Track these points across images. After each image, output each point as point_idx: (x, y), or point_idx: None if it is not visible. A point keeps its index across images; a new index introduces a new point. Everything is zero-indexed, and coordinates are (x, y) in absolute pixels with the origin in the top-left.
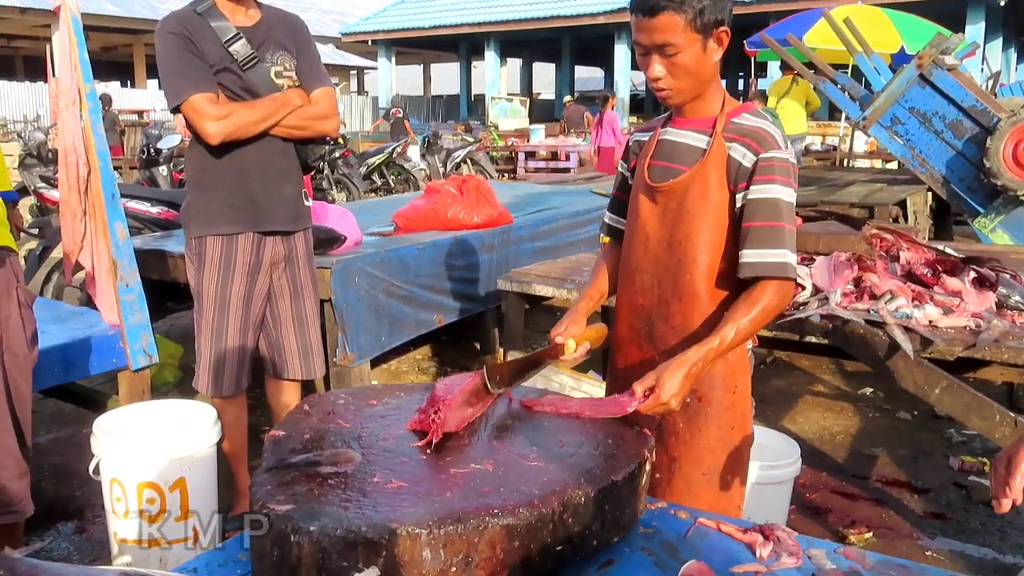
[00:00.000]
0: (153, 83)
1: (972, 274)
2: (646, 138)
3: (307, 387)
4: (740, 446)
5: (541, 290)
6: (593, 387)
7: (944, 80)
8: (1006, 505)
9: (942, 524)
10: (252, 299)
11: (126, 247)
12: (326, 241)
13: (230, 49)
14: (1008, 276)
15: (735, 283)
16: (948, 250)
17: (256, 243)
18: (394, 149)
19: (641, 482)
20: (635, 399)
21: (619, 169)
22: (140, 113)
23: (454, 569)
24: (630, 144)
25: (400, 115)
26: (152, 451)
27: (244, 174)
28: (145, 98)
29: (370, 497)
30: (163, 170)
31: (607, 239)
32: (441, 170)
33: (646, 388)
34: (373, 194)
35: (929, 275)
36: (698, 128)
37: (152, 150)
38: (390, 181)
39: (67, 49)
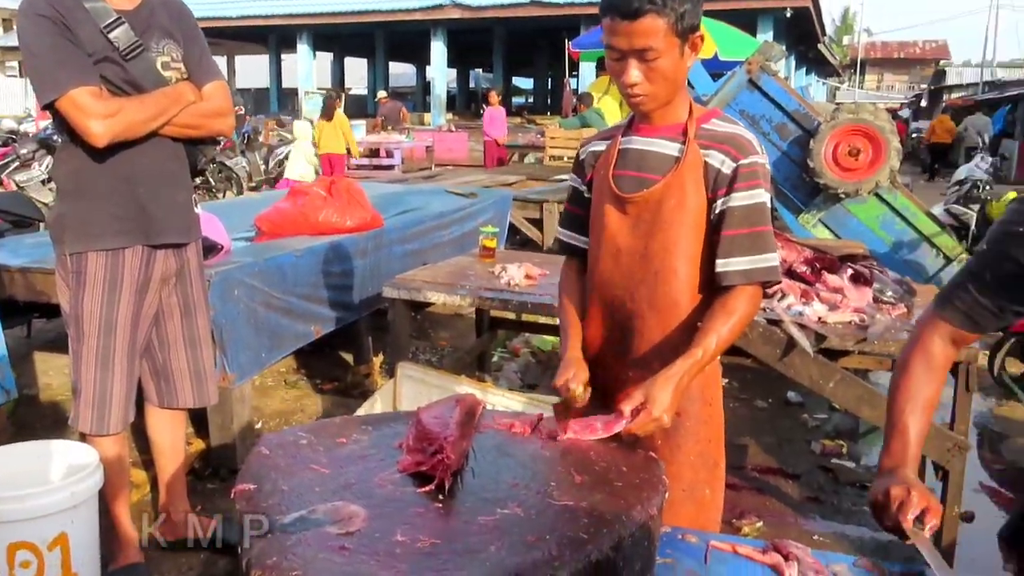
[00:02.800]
0: None
1: (849, 271)
2: (603, 148)
3: None
4: (717, 459)
5: (433, 297)
6: (517, 402)
7: (771, 85)
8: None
9: (819, 507)
10: (139, 321)
11: None
12: (204, 250)
13: (110, 36)
14: (878, 272)
15: (709, 292)
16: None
17: (145, 257)
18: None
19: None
20: (623, 419)
21: (570, 183)
22: None
23: None
24: (583, 156)
25: (242, 112)
26: (26, 505)
27: (131, 180)
28: None
29: (406, 561)
30: None
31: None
32: (262, 167)
33: (634, 406)
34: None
35: (809, 272)
36: (667, 135)
37: None
38: (210, 180)
39: None
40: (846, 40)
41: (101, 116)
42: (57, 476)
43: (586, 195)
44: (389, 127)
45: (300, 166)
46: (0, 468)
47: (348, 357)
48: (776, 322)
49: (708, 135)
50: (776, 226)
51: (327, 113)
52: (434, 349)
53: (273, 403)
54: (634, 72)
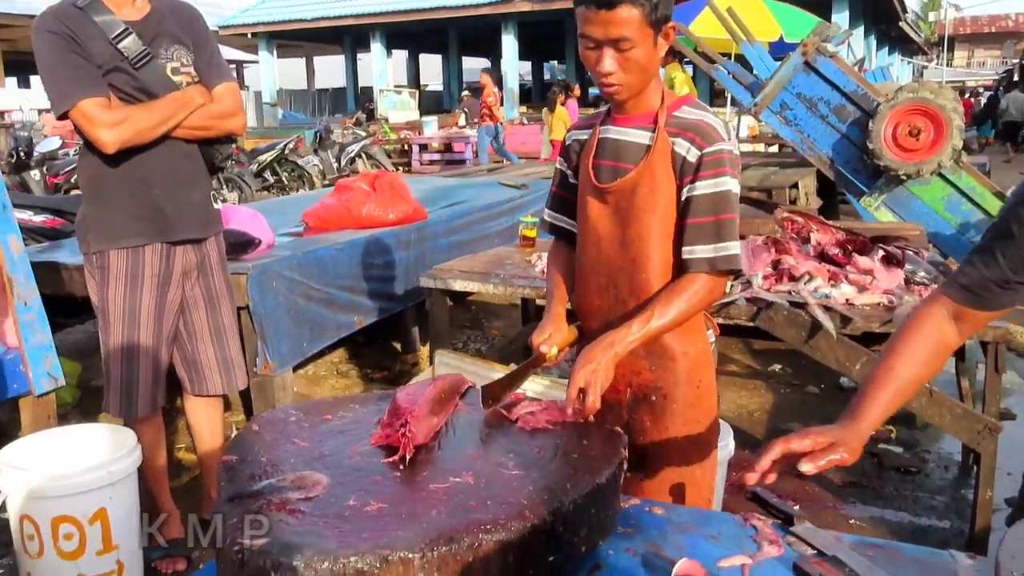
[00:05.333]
0: (12, 81)
1: (881, 252)
2: (585, 136)
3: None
4: (707, 440)
5: (466, 286)
6: (539, 385)
7: (827, 67)
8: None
9: (860, 492)
10: (164, 312)
11: (22, 262)
12: (239, 245)
13: (119, 46)
14: (912, 253)
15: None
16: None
17: (165, 253)
18: (285, 145)
19: (620, 482)
20: (572, 407)
21: (557, 166)
22: (0, 115)
23: None
24: (568, 143)
25: (363, 118)
26: (67, 482)
27: (146, 182)
28: (5, 98)
29: (350, 522)
30: (35, 174)
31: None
32: (335, 165)
33: (575, 393)
34: (266, 192)
35: (841, 255)
36: (640, 124)
37: (22, 153)
38: (283, 179)
39: None
40: (932, 17)
41: (108, 125)
42: (96, 456)
43: (571, 180)
44: (475, 121)
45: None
46: (46, 450)
47: (399, 347)
48: (801, 305)
49: (676, 123)
50: (844, 210)
51: (551, 105)
52: (485, 338)
53: (322, 391)
54: (609, 61)
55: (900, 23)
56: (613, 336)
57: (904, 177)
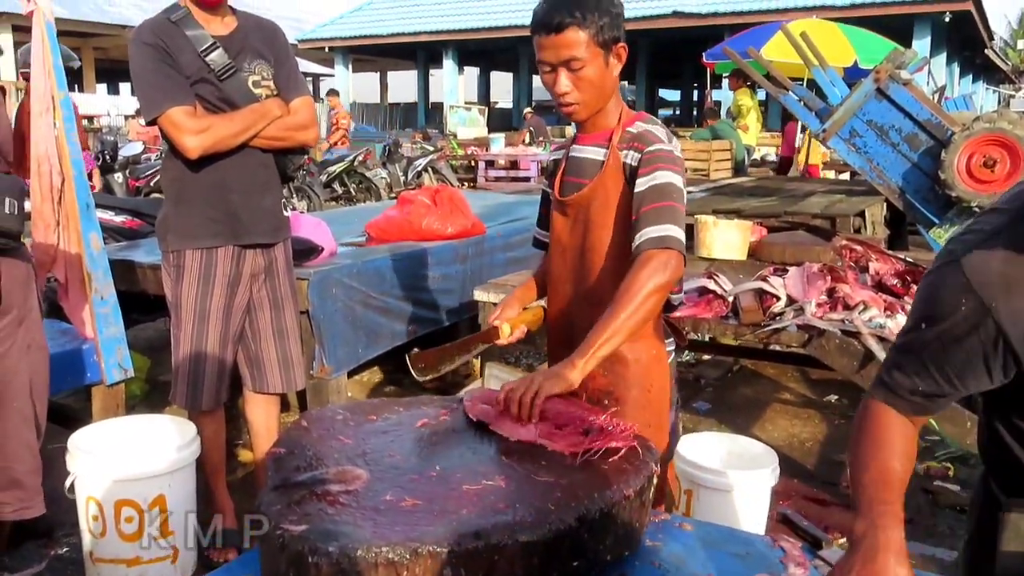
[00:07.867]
0: (103, 88)
1: None
2: (559, 156)
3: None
4: (658, 443)
5: None
6: None
7: (900, 94)
8: None
9: (911, 528)
10: (232, 311)
11: (101, 258)
12: (303, 252)
13: (207, 59)
14: None
15: None
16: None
17: (236, 255)
18: (355, 157)
19: (649, 495)
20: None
21: (542, 187)
22: (90, 119)
23: None
24: (547, 164)
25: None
26: (130, 468)
27: (223, 187)
28: (95, 103)
29: (385, 515)
30: (119, 177)
31: None
32: (402, 179)
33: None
34: (334, 203)
35: (899, 285)
36: (598, 142)
37: (107, 156)
38: (351, 190)
39: (40, 55)
40: (1022, 44)
41: (193, 132)
42: (158, 445)
43: (551, 198)
44: (540, 139)
45: None
46: (113, 437)
47: None
48: (854, 334)
49: (627, 137)
50: (913, 241)
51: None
52: (538, 353)
53: (376, 397)
54: (564, 82)
55: (986, 50)
56: (568, 362)
57: (977, 209)
